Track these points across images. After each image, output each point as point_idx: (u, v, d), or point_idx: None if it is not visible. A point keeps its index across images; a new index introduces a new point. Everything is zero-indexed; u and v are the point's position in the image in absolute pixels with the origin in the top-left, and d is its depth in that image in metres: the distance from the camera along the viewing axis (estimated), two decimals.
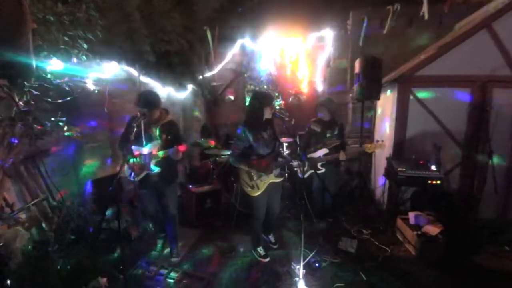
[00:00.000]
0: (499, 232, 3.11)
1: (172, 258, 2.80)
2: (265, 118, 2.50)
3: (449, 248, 2.69)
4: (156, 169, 2.52)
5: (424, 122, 3.45)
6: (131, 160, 2.48)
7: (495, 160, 3.13)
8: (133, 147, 2.48)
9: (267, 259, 2.76)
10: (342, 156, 3.16)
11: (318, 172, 3.33)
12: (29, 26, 1.64)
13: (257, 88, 5.97)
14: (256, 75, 6.03)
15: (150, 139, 2.53)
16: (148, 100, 2.43)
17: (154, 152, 2.51)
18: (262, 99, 2.51)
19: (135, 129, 2.26)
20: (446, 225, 2.81)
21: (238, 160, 2.59)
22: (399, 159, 3.33)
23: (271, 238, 3.08)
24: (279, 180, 2.71)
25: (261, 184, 2.58)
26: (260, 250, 2.80)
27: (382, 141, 3.12)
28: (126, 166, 2.54)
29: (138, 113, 2.38)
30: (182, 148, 2.40)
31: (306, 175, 3.34)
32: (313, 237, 3.08)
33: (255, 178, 2.57)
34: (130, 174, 2.51)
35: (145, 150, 2.53)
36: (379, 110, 4.50)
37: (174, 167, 2.75)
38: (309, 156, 3.37)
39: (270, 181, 2.61)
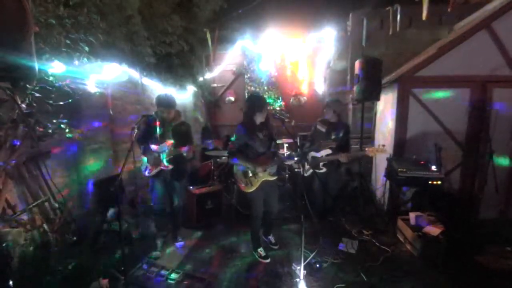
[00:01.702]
0: (500, 232, 3.11)
1: (177, 243, 3.07)
2: (259, 121, 2.59)
3: (450, 249, 2.68)
4: (170, 166, 2.76)
5: (424, 122, 3.46)
6: (146, 160, 2.79)
7: (496, 160, 3.12)
8: (151, 145, 2.71)
9: (268, 260, 2.76)
10: (343, 158, 3.15)
11: (320, 172, 3.34)
12: (31, 30, 1.66)
13: (257, 90, 5.99)
14: (256, 76, 6.06)
15: (165, 138, 2.75)
16: (169, 100, 2.73)
17: (169, 147, 2.73)
18: (253, 104, 2.60)
19: (153, 128, 2.51)
20: (447, 226, 2.80)
21: (235, 157, 2.65)
22: (399, 160, 3.33)
23: (271, 238, 3.08)
24: (274, 178, 2.75)
25: (254, 182, 2.64)
26: (261, 251, 2.81)
27: (384, 145, 3.11)
28: (142, 163, 2.83)
29: (153, 113, 2.70)
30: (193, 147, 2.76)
31: (307, 174, 3.36)
32: (314, 237, 3.09)
33: (250, 175, 2.63)
34: (145, 170, 2.79)
35: (161, 148, 2.72)
36: (379, 111, 4.50)
37: (185, 164, 2.98)
38: (312, 155, 3.38)
39: (264, 179, 2.66)
